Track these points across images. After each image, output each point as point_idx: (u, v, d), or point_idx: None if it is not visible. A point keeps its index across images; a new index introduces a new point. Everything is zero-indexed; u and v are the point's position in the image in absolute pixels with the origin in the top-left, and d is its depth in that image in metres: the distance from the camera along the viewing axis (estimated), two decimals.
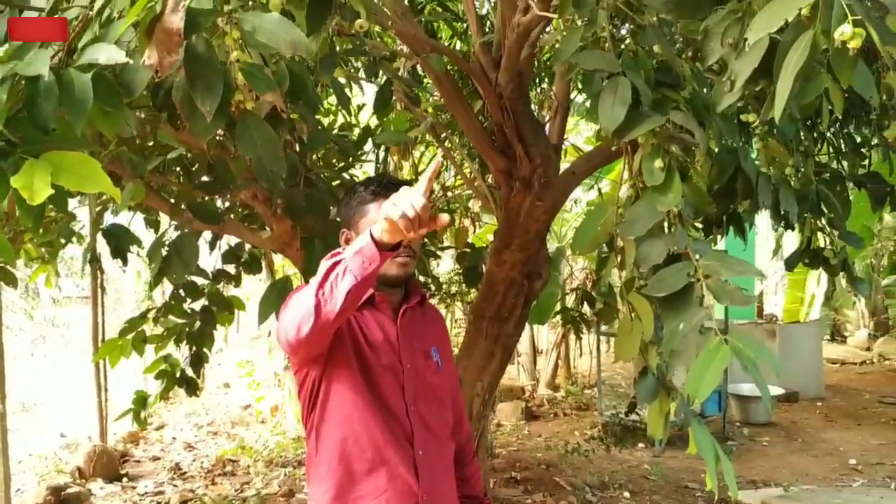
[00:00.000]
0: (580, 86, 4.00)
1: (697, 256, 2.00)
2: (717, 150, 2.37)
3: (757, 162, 3.11)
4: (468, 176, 4.54)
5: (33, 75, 1.35)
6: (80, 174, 1.33)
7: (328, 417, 1.96)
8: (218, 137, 2.42)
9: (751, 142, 2.96)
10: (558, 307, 5.83)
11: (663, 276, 2.01)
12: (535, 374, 9.79)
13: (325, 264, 1.69)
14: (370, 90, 4.04)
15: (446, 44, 5.03)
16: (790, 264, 3.36)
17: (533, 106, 5.65)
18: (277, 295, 2.68)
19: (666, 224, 2.12)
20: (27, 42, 1.48)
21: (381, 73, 2.86)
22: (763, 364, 1.98)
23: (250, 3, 1.67)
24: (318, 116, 3.91)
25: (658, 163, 2.05)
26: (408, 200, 1.53)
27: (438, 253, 5.41)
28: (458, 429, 2.21)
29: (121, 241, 2.60)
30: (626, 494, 5.56)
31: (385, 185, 2.02)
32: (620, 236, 2.18)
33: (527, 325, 9.66)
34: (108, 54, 1.39)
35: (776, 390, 7.77)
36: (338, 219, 2.22)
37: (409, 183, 2.06)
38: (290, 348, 1.83)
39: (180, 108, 1.54)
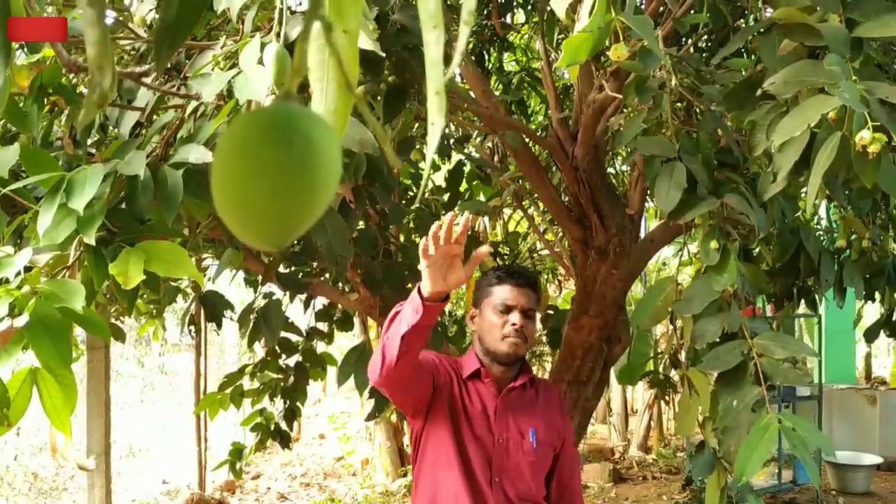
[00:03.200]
0: None
1: (752, 335, 2.07)
2: (778, 229, 2.43)
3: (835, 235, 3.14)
4: (548, 242, 4.66)
5: (132, 174, 1.56)
6: (169, 261, 1.51)
7: (424, 470, 2.15)
8: None
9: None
10: (651, 367, 5.79)
11: (718, 353, 2.08)
12: (626, 434, 9.68)
13: (390, 315, 1.87)
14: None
15: (535, 111, 5.21)
16: (870, 336, 3.35)
17: (625, 167, 5.75)
18: (356, 359, 2.85)
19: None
20: (124, 139, 1.70)
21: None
22: (818, 443, 2.03)
23: None
24: (409, 182, 4.13)
25: (713, 244, 2.14)
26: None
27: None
28: None
29: (216, 307, 2.81)
30: None
31: (509, 272, 2.21)
32: (677, 313, 2.26)
33: (618, 386, 9.60)
34: (196, 154, 1.59)
35: (874, 459, 7.50)
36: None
37: (532, 276, 2.27)
38: (377, 386, 2.02)
39: None
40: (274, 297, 3.05)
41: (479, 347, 2.19)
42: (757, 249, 2.55)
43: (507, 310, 2.12)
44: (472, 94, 3.45)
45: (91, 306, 1.66)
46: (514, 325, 2.10)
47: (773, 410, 1.94)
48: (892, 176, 1.53)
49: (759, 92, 1.81)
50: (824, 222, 4.17)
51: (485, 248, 1.84)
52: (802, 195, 3.05)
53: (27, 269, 1.56)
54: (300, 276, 3.29)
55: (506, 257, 4.98)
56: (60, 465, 6.96)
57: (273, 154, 0.46)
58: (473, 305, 2.25)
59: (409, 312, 1.79)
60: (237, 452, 4.57)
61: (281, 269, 3.36)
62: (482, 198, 4.61)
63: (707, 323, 2.13)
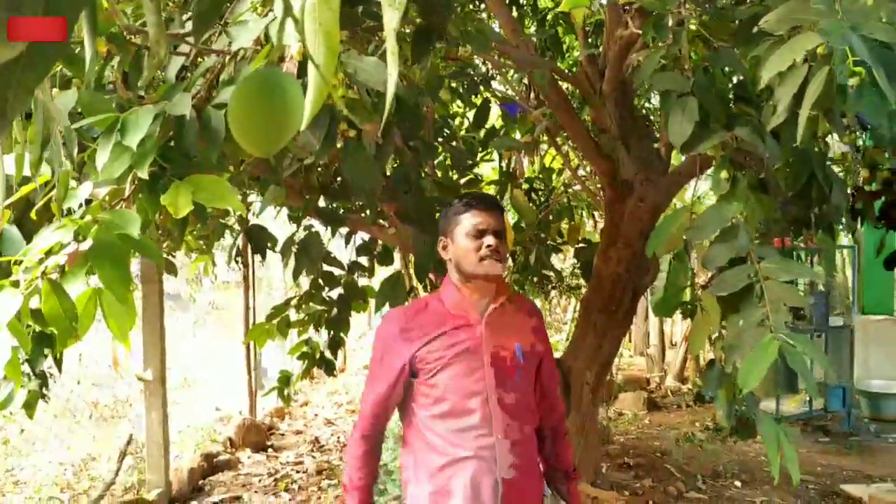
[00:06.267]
0: None
1: (759, 259, 2.19)
2: (791, 159, 2.52)
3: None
4: (580, 177, 4.77)
5: (179, 114, 1.72)
6: (214, 193, 1.68)
7: (415, 421, 2.31)
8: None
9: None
10: (687, 297, 5.86)
11: (726, 276, 2.21)
12: (663, 366, 9.84)
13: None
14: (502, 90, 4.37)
15: (571, 47, 5.27)
16: (890, 264, 3.43)
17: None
18: (391, 288, 3.04)
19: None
20: (171, 83, 1.86)
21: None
22: (816, 361, 2.16)
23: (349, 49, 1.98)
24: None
25: (724, 174, 2.25)
26: None
27: (560, 248, 5.65)
28: (550, 411, 2.48)
29: (260, 240, 2.99)
30: (738, 483, 5.61)
31: (477, 198, 2.31)
32: (689, 239, 2.38)
33: (656, 319, 9.73)
34: None
35: None
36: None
37: (496, 199, 2.36)
38: None
39: (296, 137, 1.88)
40: (313, 230, 3.22)
41: (456, 275, 2.30)
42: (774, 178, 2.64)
43: (480, 234, 2.22)
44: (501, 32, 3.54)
45: (145, 235, 1.84)
46: (489, 246, 2.20)
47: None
48: (873, 107, 1.63)
49: (755, 29, 1.90)
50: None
51: None
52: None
53: (88, 201, 1.75)
54: (341, 212, 3.46)
55: (541, 192, 5.11)
56: (121, 377, 7.31)
57: (262, 100, 0.80)
58: (442, 235, 2.34)
59: None
60: (285, 380, 4.79)
61: (322, 204, 3.53)
62: (518, 135, 4.73)
63: (717, 249, 2.25)
